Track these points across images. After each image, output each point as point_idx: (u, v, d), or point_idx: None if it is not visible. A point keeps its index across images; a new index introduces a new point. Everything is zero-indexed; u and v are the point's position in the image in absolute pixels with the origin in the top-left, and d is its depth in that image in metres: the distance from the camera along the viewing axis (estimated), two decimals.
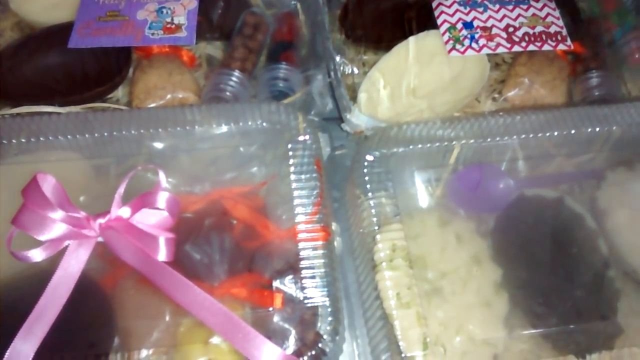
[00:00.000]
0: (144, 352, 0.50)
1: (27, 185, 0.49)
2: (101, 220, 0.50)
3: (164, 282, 0.48)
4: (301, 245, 0.54)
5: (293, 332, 0.51)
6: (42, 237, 0.48)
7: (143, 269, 0.48)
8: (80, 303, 0.49)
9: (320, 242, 0.55)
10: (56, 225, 0.48)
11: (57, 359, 0.48)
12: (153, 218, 0.51)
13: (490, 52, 0.68)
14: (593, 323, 0.54)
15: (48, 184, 0.49)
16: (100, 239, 0.50)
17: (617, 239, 0.58)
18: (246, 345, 0.47)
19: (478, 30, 0.69)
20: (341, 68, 0.70)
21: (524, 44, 0.69)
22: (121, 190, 0.51)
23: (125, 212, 0.50)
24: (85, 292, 0.50)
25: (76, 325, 0.49)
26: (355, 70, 0.71)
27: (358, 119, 0.66)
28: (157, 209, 0.50)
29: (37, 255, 0.49)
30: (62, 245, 0.50)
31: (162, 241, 0.49)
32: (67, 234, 0.49)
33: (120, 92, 0.71)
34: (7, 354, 0.46)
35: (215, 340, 0.50)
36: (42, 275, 0.50)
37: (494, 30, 0.70)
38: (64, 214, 0.49)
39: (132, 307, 0.52)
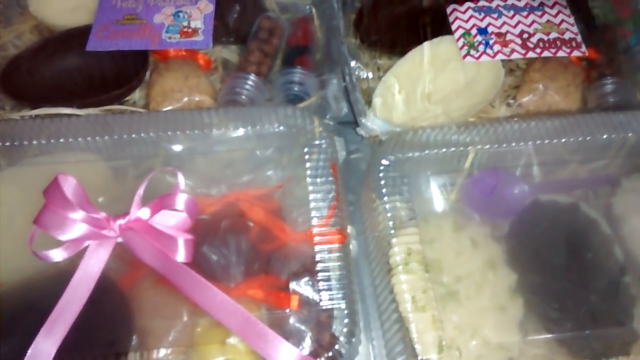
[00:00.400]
0: (162, 352, 0.51)
1: (48, 185, 0.50)
2: (121, 221, 0.50)
3: (182, 283, 0.48)
4: (317, 248, 0.55)
5: (309, 333, 0.52)
6: (63, 237, 0.48)
7: (162, 269, 0.49)
8: (99, 303, 0.50)
9: (336, 245, 0.55)
10: (77, 225, 0.49)
11: (78, 358, 0.48)
12: (172, 219, 0.51)
13: (505, 58, 0.68)
14: (608, 329, 0.54)
15: (69, 185, 0.50)
16: (119, 240, 0.51)
17: (633, 245, 0.58)
18: (263, 345, 0.47)
19: (492, 36, 0.70)
20: (356, 72, 0.71)
21: (538, 50, 0.69)
22: (141, 191, 0.51)
23: (144, 213, 0.51)
24: (105, 292, 0.51)
25: (96, 324, 0.49)
26: (370, 75, 0.72)
27: (373, 123, 0.66)
28: (176, 210, 0.51)
29: (57, 255, 0.49)
30: (83, 246, 0.50)
31: (180, 242, 0.49)
32: (87, 234, 0.49)
33: (137, 95, 0.71)
34: (29, 352, 0.47)
35: (233, 340, 0.51)
36: (63, 275, 0.50)
37: (509, 37, 0.70)
38: (85, 215, 0.49)
39: (150, 307, 0.53)
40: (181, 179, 0.53)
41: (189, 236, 0.50)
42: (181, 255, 0.49)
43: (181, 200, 0.50)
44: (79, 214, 0.49)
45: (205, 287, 0.48)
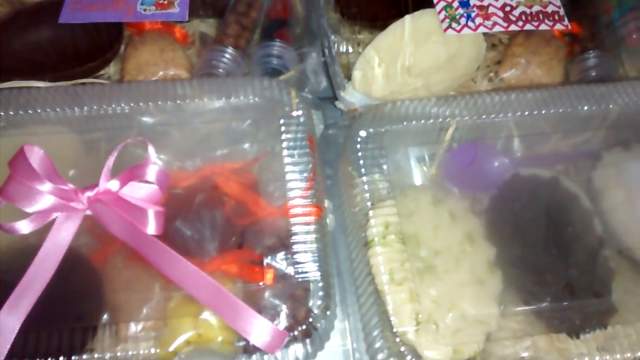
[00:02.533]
0: (133, 327, 0.49)
1: (14, 156, 0.48)
2: (89, 193, 0.49)
3: (153, 256, 0.47)
4: (293, 221, 0.54)
5: (284, 308, 0.51)
6: (30, 209, 0.47)
7: (132, 242, 0.48)
8: (68, 276, 0.49)
9: (312, 219, 0.54)
10: (44, 197, 0.47)
11: (44, 332, 0.47)
12: (142, 191, 0.50)
13: (487, 31, 0.67)
14: (587, 301, 0.53)
15: (35, 156, 0.48)
16: (88, 212, 0.49)
17: (612, 219, 0.58)
18: (237, 319, 0.46)
19: (474, 9, 0.68)
20: (335, 46, 0.69)
21: (520, 23, 0.68)
22: (110, 162, 0.50)
23: (114, 185, 0.49)
24: (73, 265, 0.50)
25: (63, 298, 0.48)
26: (350, 49, 0.71)
27: (352, 96, 0.65)
28: (147, 182, 0.50)
29: (24, 227, 0.48)
30: (50, 218, 0.49)
31: (151, 214, 0.48)
32: (54, 206, 0.48)
33: (112, 69, 0.70)
34: None
35: (205, 315, 0.50)
36: (30, 249, 0.49)
37: (491, 9, 0.69)
38: (52, 186, 0.48)
39: (121, 282, 0.52)
40: (152, 151, 0.51)
41: (159, 208, 0.49)
42: (151, 227, 0.48)
43: (152, 171, 0.49)
44: (45, 186, 0.48)
45: (176, 260, 0.47)
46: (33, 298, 0.46)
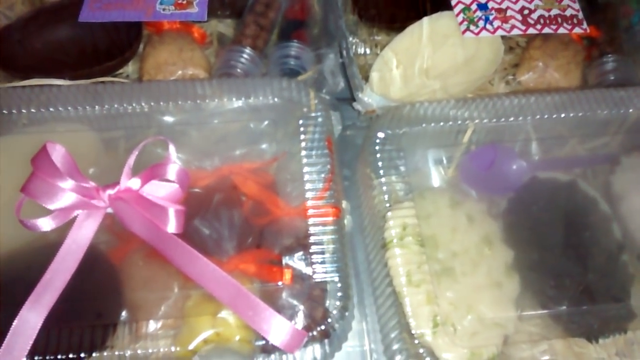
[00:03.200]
0: (152, 325, 0.50)
1: (37, 153, 0.49)
2: (110, 191, 0.49)
3: (173, 254, 0.48)
4: (311, 222, 0.54)
5: (302, 308, 0.51)
6: (52, 206, 0.47)
7: (152, 240, 0.48)
8: (88, 274, 0.49)
9: (330, 220, 0.54)
10: (65, 194, 0.48)
11: (65, 328, 0.47)
12: (163, 190, 0.50)
13: (505, 33, 0.67)
14: (605, 306, 0.53)
15: (57, 153, 0.49)
16: (109, 210, 0.50)
17: (632, 224, 0.57)
18: (255, 318, 0.46)
19: (492, 11, 0.68)
20: (353, 47, 0.70)
21: (539, 26, 0.68)
22: (131, 161, 0.50)
23: (135, 183, 0.50)
24: (94, 263, 0.50)
25: (84, 295, 0.49)
26: (368, 51, 0.71)
27: (370, 98, 0.65)
28: (167, 180, 0.50)
29: (46, 224, 0.48)
30: (72, 215, 0.49)
31: (171, 213, 0.48)
32: (76, 203, 0.48)
33: (130, 68, 0.70)
34: (15, 323, 0.46)
35: (224, 314, 0.50)
36: (51, 246, 0.49)
37: (509, 12, 0.69)
38: (74, 184, 0.48)
39: (140, 280, 0.52)
40: (172, 150, 0.52)
41: (179, 207, 0.49)
42: (172, 226, 0.48)
43: (172, 170, 0.49)
44: (67, 183, 0.48)
45: (196, 258, 0.47)
46: (54, 295, 0.46)
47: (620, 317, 0.53)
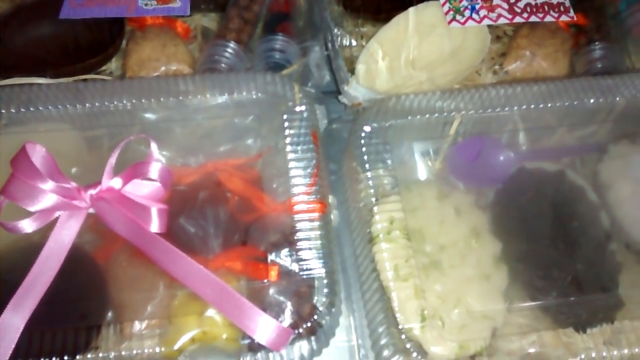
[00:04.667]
0: (138, 325, 0.49)
1: (16, 154, 0.48)
2: (92, 191, 0.49)
3: (156, 254, 0.47)
4: (297, 217, 0.53)
5: (289, 304, 0.50)
6: (32, 208, 0.47)
7: (135, 240, 0.48)
8: (72, 275, 0.48)
9: (316, 215, 0.54)
10: (46, 195, 0.47)
11: (48, 331, 0.47)
12: (145, 189, 0.50)
13: (492, 23, 0.66)
14: (594, 296, 0.53)
15: (37, 154, 0.48)
16: (91, 210, 0.49)
17: (619, 212, 0.57)
18: (241, 317, 0.46)
19: (479, 0, 0.68)
20: (339, 40, 0.69)
21: (525, 14, 0.67)
22: (112, 160, 0.49)
23: (116, 182, 0.49)
24: (77, 263, 0.50)
25: (68, 297, 0.48)
26: (353, 43, 0.70)
27: (356, 90, 0.64)
28: (150, 179, 0.49)
29: (27, 226, 0.48)
30: (53, 216, 0.48)
31: (154, 212, 0.48)
32: (57, 204, 0.47)
33: (113, 65, 0.70)
34: None
35: (210, 312, 0.49)
36: (33, 247, 0.49)
37: (495, 1, 0.68)
38: (54, 185, 0.47)
39: (125, 280, 0.51)
40: (154, 148, 0.51)
41: (162, 206, 0.48)
42: (155, 225, 0.47)
43: (155, 169, 0.49)
44: (48, 184, 0.47)
45: (180, 258, 0.47)
46: (37, 297, 0.46)
47: (608, 306, 0.53)
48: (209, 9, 0.73)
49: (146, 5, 0.68)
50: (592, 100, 0.58)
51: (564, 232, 0.56)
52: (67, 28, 0.68)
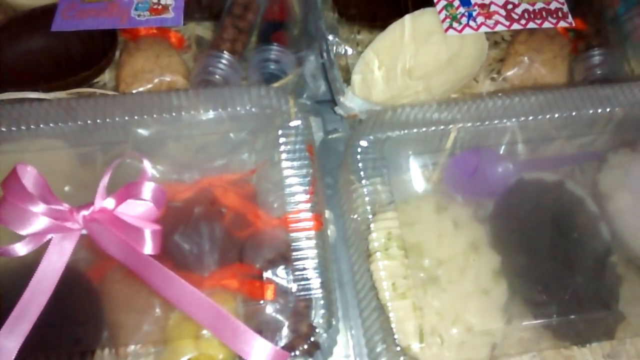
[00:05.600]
0: (133, 347, 0.49)
1: (6, 177, 0.47)
2: (85, 212, 0.48)
3: (150, 276, 0.46)
4: (293, 234, 0.53)
5: (286, 323, 0.50)
6: (24, 232, 0.46)
7: (129, 262, 0.47)
8: (65, 298, 0.48)
9: (312, 230, 0.53)
10: (38, 218, 0.46)
11: (42, 356, 0.46)
12: (139, 208, 0.49)
13: (489, 30, 0.65)
14: (594, 311, 0.52)
15: (29, 176, 0.47)
16: (84, 232, 0.49)
17: (619, 224, 0.56)
18: (235, 340, 0.45)
19: (476, 7, 0.67)
20: (334, 48, 0.68)
21: (523, 21, 0.66)
22: (105, 181, 0.49)
23: (109, 203, 0.48)
24: (71, 286, 0.49)
25: (61, 320, 0.48)
26: (349, 51, 0.69)
27: (352, 102, 0.64)
28: (143, 199, 0.49)
29: (20, 249, 0.47)
30: (45, 239, 0.48)
31: (147, 234, 0.47)
32: (49, 227, 0.47)
33: (107, 76, 0.69)
34: None
35: (206, 332, 0.49)
36: (26, 267, 0.48)
37: (492, 8, 0.67)
38: (46, 207, 0.47)
39: (120, 300, 0.51)
40: (147, 166, 0.50)
41: (156, 226, 0.48)
42: (148, 247, 0.47)
43: (148, 189, 0.48)
44: (39, 207, 0.47)
45: (174, 280, 0.46)
46: (31, 321, 0.45)
47: (608, 322, 0.52)
48: (203, 18, 0.72)
49: (139, 16, 0.67)
50: (591, 111, 0.58)
51: (564, 244, 0.55)
52: (59, 40, 0.67)
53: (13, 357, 0.45)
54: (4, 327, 0.46)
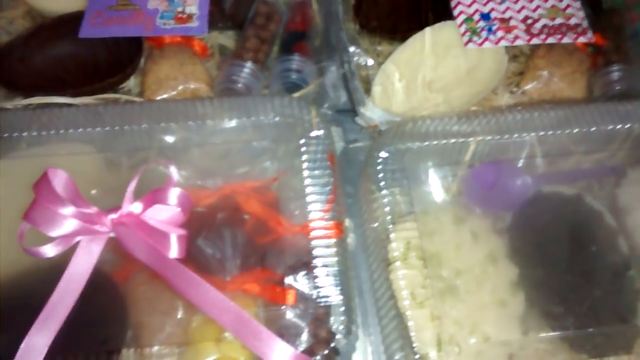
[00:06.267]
0: (156, 348, 0.50)
1: (38, 180, 0.48)
2: (113, 216, 0.49)
3: (175, 279, 0.48)
4: (314, 242, 0.54)
5: (306, 329, 0.51)
6: (54, 233, 0.47)
7: (154, 265, 0.48)
8: (93, 298, 0.49)
9: (333, 238, 0.54)
10: (67, 221, 0.48)
11: (70, 355, 0.47)
12: (165, 214, 0.50)
13: (508, 44, 0.66)
14: (611, 325, 0.52)
15: (59, 179, 0.49)
16: (112, 235, 0.50)
17: (638, 238, 0.57)
18: (257, 343, 0.46)
19: (496, 21, 0.68)
20: (355, 59, 0.69)
21: (543, 36, 0.67)
22: (132, 186, 0.50)
23: (136, 207, 0.50)
24: (98, 287, 0.50)
25: (89, 321, 0.49)
26: (370, 62, 0.70)
27: (372, 112, 0.64)
28: (169, 204, 0.50)
29: (49, 251, 0.48)
30: (74, 241, 0.49)
31: (173, 238, 0.48)
32: (78, 229, 0.48)
33: (132, 83, 0.70)
34: (22, 346, 0.46)
35: (229, 334, 0.50)
36: (54, 269, 0.49)
37: (512, 22, 0.68)
38: (75, 210, 0.48)
39: (144, 302, 0.52)
40: (174, 172, 0.51)
41: (182, 231, 0.49)
42: (174, 251, 0.48)
43: (174, 194, 0.49)
44: (69, 210, 0.48)
45: (198, 284, 0.47)
46: (60, 320, 0.46)
47: (626, 336, 0.53)
48: (226, 27, 0.73)
49: (164, 24, 0.69)
50: (610, 127, 0.58)
51: (582, 257, 0.56)
52: (86, 47, 0.68)
53: (43, 355, 0.46)
54: (35, 325, 0.47)
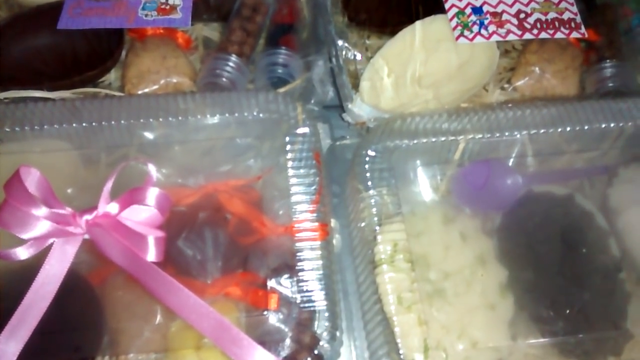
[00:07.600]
0: (133, 355, 0.48)
1: (9, 179, 0.46)
2: (88, 217, 0.47)
3: (152, 284, 0.46)
4: (299, 244, 0.52)
5: (289, 334, 0.49)
6: (25, 236, 0.45)
7: (131, 269, 0.46)
8: (66, 303, 0.47)
9: (317, 240, 0.53)
10: (40, 222, 0.46)
11: None
12: (142, 214, 0.48)
13: (500, 39, 0.65)
14: (601, 329, 0.51)
15: (32, 178, 0.46)
16: (86, 236, 0.48)
17: (629, 240, 0.56)
18: (238, 351, 0.45)
19: (487, 15, 0.66)
20: (343, 53, 0.67)
21: (535, 31, 0.66)
22: (109, 185, 0.48)
23: (113, 208, 0.48)
24: (73, 291, 0.48)
25: (62, 326, 0.47)
26: (358, 56, 0.68)
27: (360, 109, 0.63)
28: (147, 205, 0.48)
29: (21, 253, 0.46)
30: (47, 243, 0.47)
31: (151, 240, 0.46)
32: (51, 231, 0.46)
33: (112, 76, 0.68)
34: None
35: (208, 341, 0.48)
36: (26, 271, 0.47)
37: (505, 16, 0.66)
38: (49, 211, 0.46)
39: (121, 306, 0.50)
40: (152, 171, 0.49)
41: (159, 233, 0.47)
42: (151, 254, 0.46)
43: (152, 195, 0.47)
44: (42, 210, 0.46)
45: (176, 289, 0.45)
46: (31, 326, 0.45)
47: (616, 340, 0.52)
48: (211, 19, 0.71)
49: (146, 16, 0.66)
50: (602, 125, 0.57)
51: (572, 259, 0.55)
52: (65, 39, 0.66)
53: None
54: (4, 331, 0.45)
